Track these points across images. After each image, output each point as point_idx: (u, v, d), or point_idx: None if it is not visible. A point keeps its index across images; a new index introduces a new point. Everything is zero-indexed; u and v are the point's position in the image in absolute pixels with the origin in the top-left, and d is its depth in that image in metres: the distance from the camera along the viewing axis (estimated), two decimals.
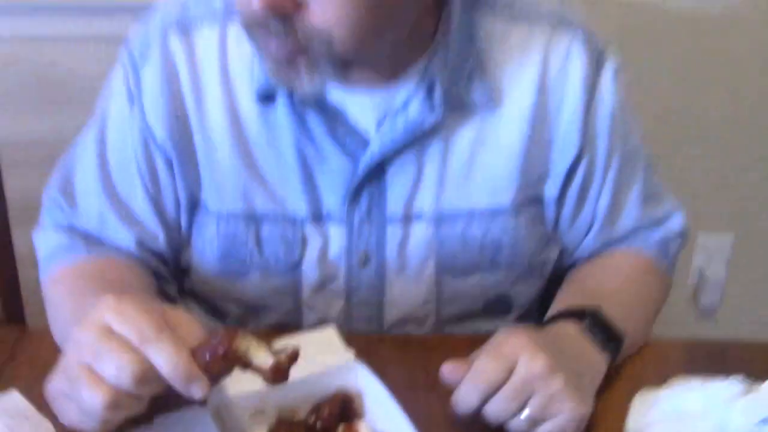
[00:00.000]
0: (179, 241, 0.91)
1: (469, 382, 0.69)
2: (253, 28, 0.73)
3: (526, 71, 0.84)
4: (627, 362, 0.83)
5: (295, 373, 0.69)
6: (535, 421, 0.68)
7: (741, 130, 1.66)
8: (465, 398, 0.69)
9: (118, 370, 0.60)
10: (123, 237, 0.88)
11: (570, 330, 0.78)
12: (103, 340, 0.61)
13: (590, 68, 0.85)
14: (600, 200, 0.90)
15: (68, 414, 0.65)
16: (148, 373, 0.61)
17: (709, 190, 1.69)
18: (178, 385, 0.61)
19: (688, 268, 1.77)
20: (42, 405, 0.72)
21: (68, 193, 0.89)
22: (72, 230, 0.89)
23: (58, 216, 0.90)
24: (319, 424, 0.72)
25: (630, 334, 0.81)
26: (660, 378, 0.78)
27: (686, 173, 1.66)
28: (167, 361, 0.60)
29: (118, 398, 0.61)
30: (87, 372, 0.61)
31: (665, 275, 0.95)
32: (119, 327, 0.62)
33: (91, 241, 0.88)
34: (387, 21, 0.74)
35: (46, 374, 0.70)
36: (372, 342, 0.83)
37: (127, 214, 0.88)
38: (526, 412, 0.68)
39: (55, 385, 0.66)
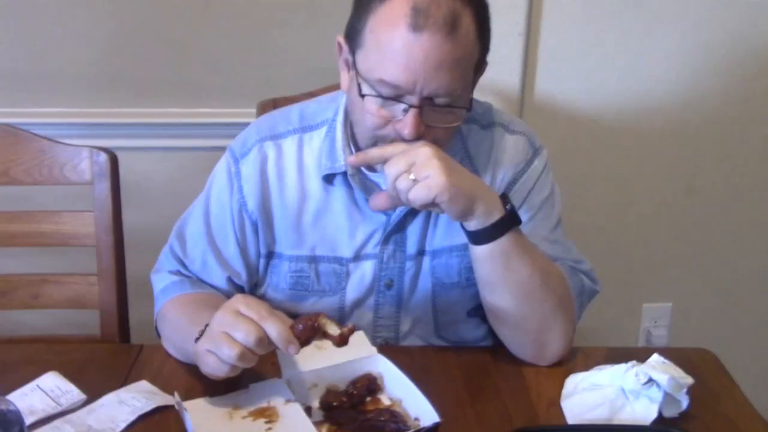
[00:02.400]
0: (255, 279, 1.27)
1: (378, 148, 1.06)
2: (384, 142, 1.08)
3: (490, 156, 1.23)
4: (565, 361, 1.17)
5: (338, 359, 1.06)
6: (415, 179, 1.01)
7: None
8: (370, 151, 1.04)
9: (246, 334, 0.95)
10: (217, 274, 1.24)
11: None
12: (237, 317, 0.97)
13: (526, 157, 1.24)
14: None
15: (209, 363, 0.99)
16: (263, 338, 0.96)
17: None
18: (281, 346, 0.96)
19: (637, 333, 2.18)
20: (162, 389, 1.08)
21: (181, 239, 1.27)
22: (180, 274, 1.25)
23: (172, 263, 1.26)
24: (354, 393, 1.06)
25: (526, 248, 1.10)
26: (586, 368, 1.12)
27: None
28: (276, 331, 0.96)
29: (244, 353, 0.96)
30: (226, 336, 0.96)
31: (570, 289, 1.18)
32: (245, 310, 0.97)
33: (195, 282, 1.24)
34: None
35: (159, 375, 1.11)
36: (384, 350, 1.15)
37: (221, 258, 1.24)
38: (411, 174, 1.01)
39: (202, 345, 1.00)
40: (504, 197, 1.09)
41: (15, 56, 1.80)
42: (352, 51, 1.09)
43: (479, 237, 1.08)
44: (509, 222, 1.08)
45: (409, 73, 1.02)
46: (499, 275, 1.11)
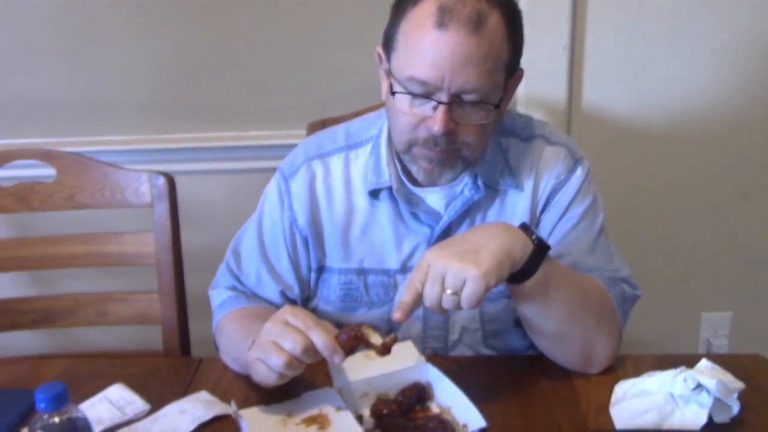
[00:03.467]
0: (307, 292, 1.32)
1: (405, 290, 1.03)
2: (418, 145, 1.13)
3: (530, 168, 1.25)
4: (614, 368, 1.18)
5: (388, 369, 1.09)
6: (456, 292, 1.00)
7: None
8: (405, 299, 1.02)
9: (293, 344, 1.00)
10: (271, 288, 1.29)
11: (491, 223, 1.10)
12: (285, 327, 1.01)
13: (567, 168, 1.25)
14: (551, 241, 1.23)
15: (259, 371, 1.04)
16: (310, 347, 1.00)
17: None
18: (326, 355, 1.00)
19: (696, 343, 2.16)
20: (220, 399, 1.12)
21: (236, 255, 1.32)
22: (236, 289, 1.31)
23: (228, 279, 1.32)
24: (404, 401, 1.08)
25: (560, 275, 1.10)
26: (635, 375, 1.13)
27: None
28: (322, 340, 1.00)
29: (291, 361, 1.00)
30: (274, 345, 1.01)
31: (611, 301, 1.19)
32: (293, 320, 1.02)
33: (250, 296, 1.30)
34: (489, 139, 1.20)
35: (218, 385, 1.15)
36: (432, 359, 1.19)
37: (274, 272, 1.29)
38: (448, 289, 1.00)
39: (252, 354, 1.05)
40: (525, 227, 1.08)
41: (77, 88, 1.91)
42: (388, 56, 1.14)
43: (517, 276, 1.07)
44: (540, 251, 1.07)
45: (437, 69, 1.06)
46: (540, 305, 1.11)
